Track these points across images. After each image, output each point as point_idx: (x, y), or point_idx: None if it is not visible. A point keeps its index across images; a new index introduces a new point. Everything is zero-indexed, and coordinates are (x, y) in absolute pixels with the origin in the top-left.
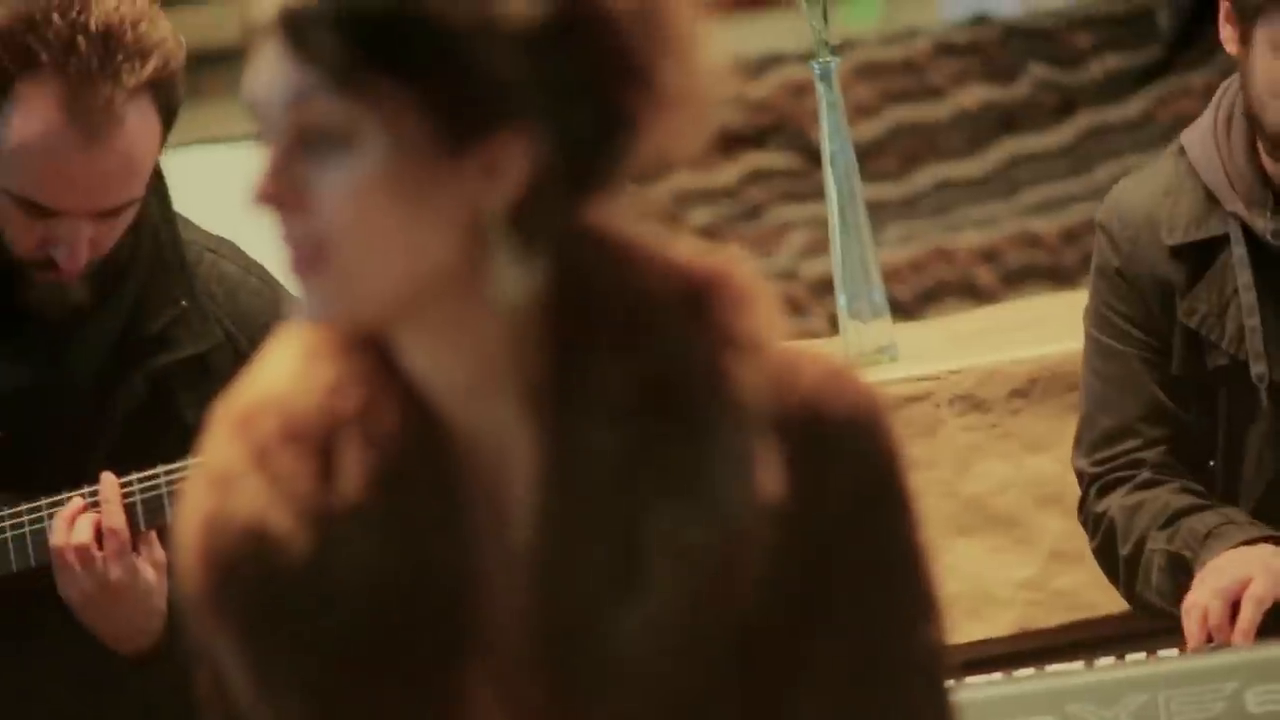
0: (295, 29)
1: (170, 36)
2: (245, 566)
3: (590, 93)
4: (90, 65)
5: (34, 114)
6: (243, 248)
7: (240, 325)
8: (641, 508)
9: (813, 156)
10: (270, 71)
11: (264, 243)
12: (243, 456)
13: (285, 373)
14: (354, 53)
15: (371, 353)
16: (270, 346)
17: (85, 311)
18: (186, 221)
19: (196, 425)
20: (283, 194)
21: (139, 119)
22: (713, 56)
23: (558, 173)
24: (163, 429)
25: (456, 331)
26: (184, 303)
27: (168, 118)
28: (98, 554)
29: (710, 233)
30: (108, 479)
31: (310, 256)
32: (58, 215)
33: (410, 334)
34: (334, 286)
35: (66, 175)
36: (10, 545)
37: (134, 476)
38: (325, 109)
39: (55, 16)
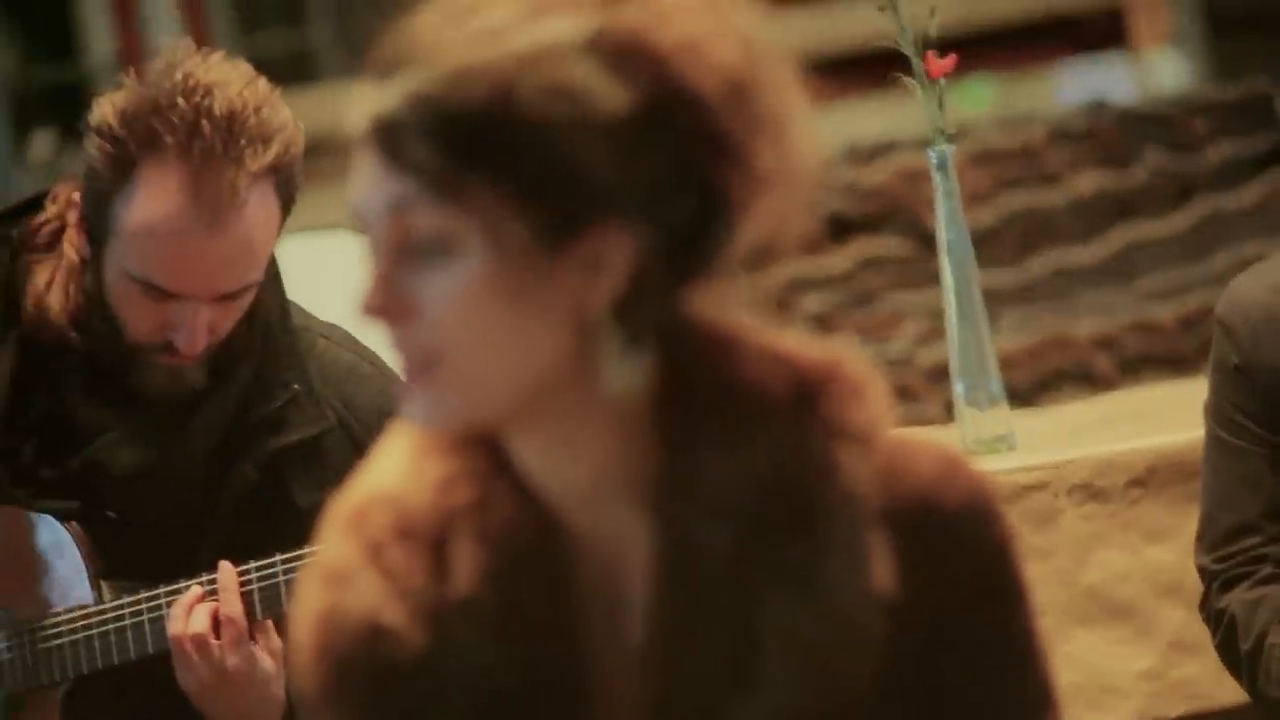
0: (388, 139)
1: (291, 123)
2: (360, 662)
3: (685, 178)
4: (214, 149)
5: (157, 196)
6: (354, 333)
7: (352, 410)
8: (756, 602)
9: (926, 242)
10: (368, 181)
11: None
12: (356, 552)
13: (398, 469)
14: (447, 159)
15: (483, 449)
16: (383, 442)
17: (200, 395)
18: (298, 307)
19: (308, 509)
20: (388, 305)
21: (260, 203)
22: (809, 135)
23: (659, 262)
24: (275, 513)
25: (567, 429)
26: (296, 387)
27: (286, 203)
28: (215, 643)
29: (823, 320)
30: (225, 568)
31: (420, 364)
32: (177, 298)
33: (521, 433)
34: (445, 392)
35: (188, 258)
36: (129, 633)
37: (251, 565)
38: (424, 217)
39: (180, 100)
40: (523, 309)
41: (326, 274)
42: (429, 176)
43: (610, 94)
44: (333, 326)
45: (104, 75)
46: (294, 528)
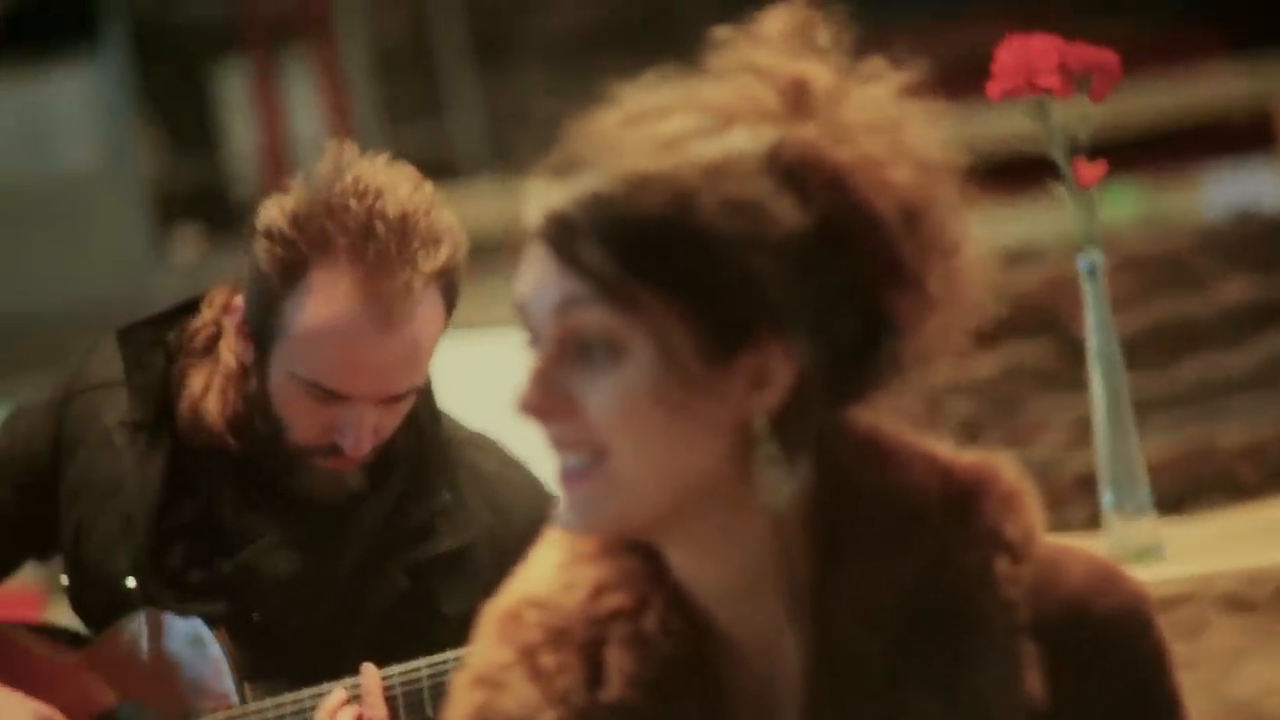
0: (561, 238)
1: (456, 226)
2: None
3: (854, 298)
4: (388, 251)
5: (330, 299)
6: (501, 439)
7: (500, 520)
8: (905, 711)
9: (1072, 348)
10: (537, 277)
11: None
12: (509, 655)
13: (551, 573)
14: (620, 264)
15: (636, 555)
16: (537, 547)
17: (356, 500)
18: (447, 413)
19: (454, 618)
20: (548, 403)
21: (429, 306)
22: (976, 258)
23: (821, 378)
24: (420, 621)
25: (721, 537)
26: (447, 496)
27: (450, 306)
28: None
29: (969, 425)
30: (370, 671)
31: (576, 468)
32: (345, 400)
33: (675, 539)
34: (601, 496)
35: (359, 361)
36: None
37: (395, 669)
38: (591, 318)
39: (352, 202)
40: (683, 416)
41: (467, 373)
42: (600, 279)
43: (787, 210)
44: (481, 434)
45: (246, 170)
46: (439, 636)
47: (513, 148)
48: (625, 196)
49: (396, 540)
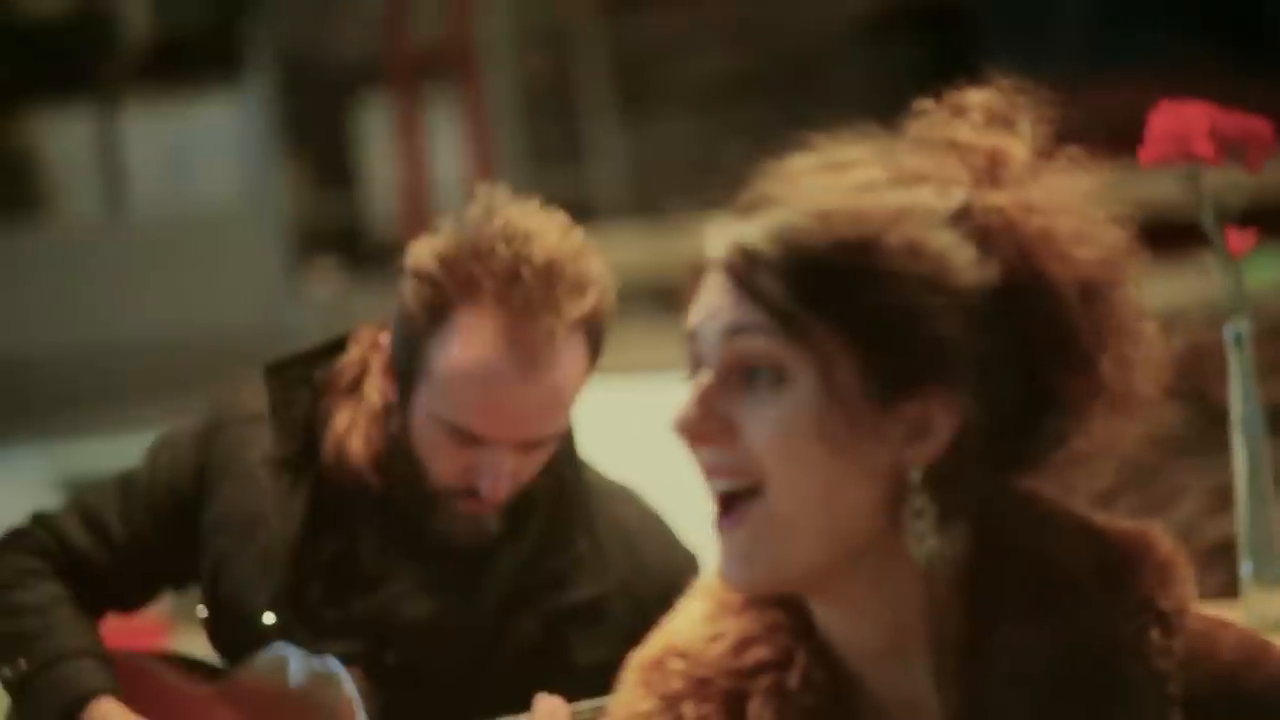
0: (743, 268)
1: (604, 275)
2: None
3: (1026, 367)
4: (533, 297)
5: (473, 342)
6: (640, 488)
7: (637, 573)
8: None
9: (1210, 415)
10: (712, 304)
11: (658, 482)
12: (652, 704)
13: (696, 624)
14: (799, 296)
15: (781, 608)
16: (682, 597)
17: (494, 545)
18: (586, 461)
19: (586, 668)
20: (707, 426)
21: (572, 353)
22: (1153, 358)
23: (982, 442)
24: (552, 669)
25: (871, 594)
26: (584, 544)
27: (594, 354)
28: None
29: (1105, 492)
30: (554, 704)
31: (736, 503)
32: (485, 444)
33: (825, 595)
34: (758, 541)
35: (500, 404)
36: None
37: (584, 705)
38: (760, 345)
39: (500, 246)
40: (842, 454)
41: (608, 419)
42: (774, 308)
43: (968, 264)
44: (621, 485)
45: (385, 207)
46: (570, 685)
47: (653, 193)
48: (809, 230)
49: (533, 587)
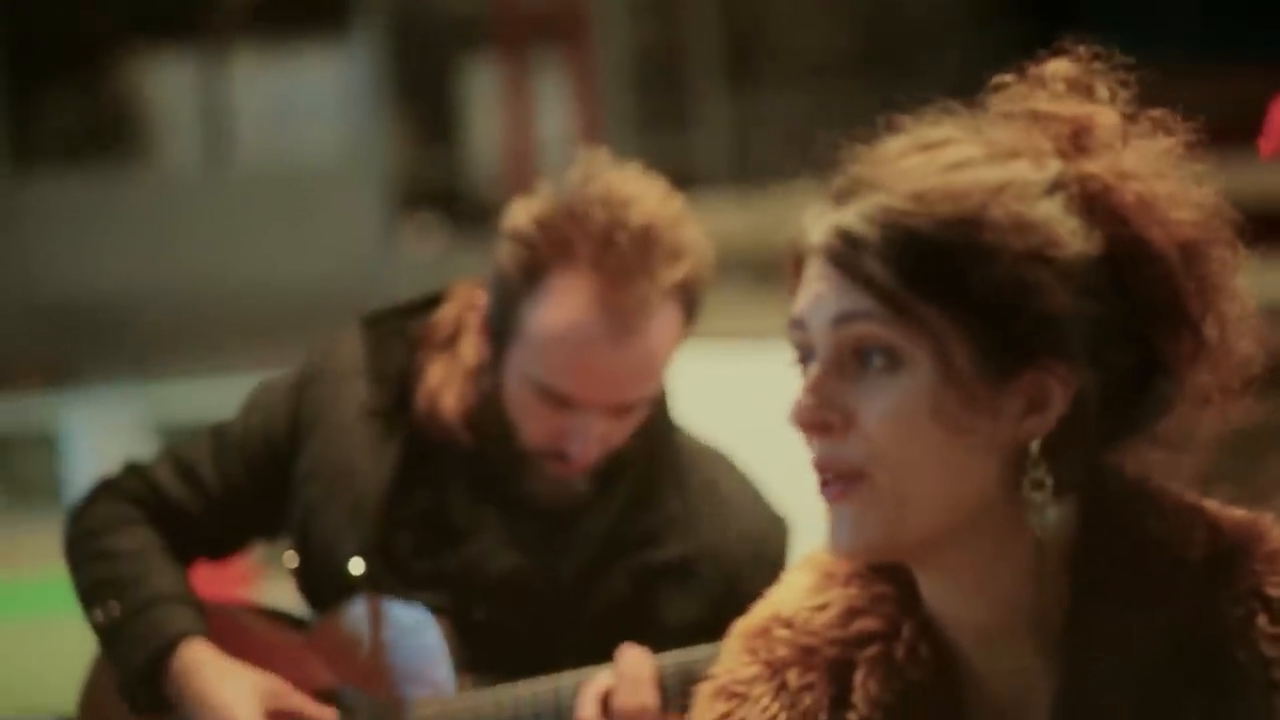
0: (847, 254)
1: (702, 241)
2: None
3: (1131, 331)
4: (628, 262)
5: (567, 305)
6: (733, 451)
7: (726, 535)
8: None
9: None
10: (817, 293)
11: (751, 444)
12: (755, 670)
13: (802, 594)
14: (906, 278)
15: (888, 580)
16: (793, 565)
17: (582, 505)
18: (682, 426)
19: (672, 627)
20: (824, 415)
21: (665, 319)
22: (1250, 317)
23: (1095, 411)
24: (638, 627)
25: (981, 569)
26: (675, 505)
27: (689, 320)
28: None
29: (1205, 478)
30: (640, 658)
31: (846, 482)
32: (575, 407)
33: (935, 569)
34: (869, 511)
35: (591, 368)
36: (538, 719)
37: (665, 657)
38: (871, 331)
39: (597, 210)
40: (959, 434)
41: (703, 384)
42: (885, 293)
43: (1071, 234)
44: (714, 448)
45: (488, 167)
46: (657, 643)
47: (755, 163)
48: (911, 212)
49: (622, 545)
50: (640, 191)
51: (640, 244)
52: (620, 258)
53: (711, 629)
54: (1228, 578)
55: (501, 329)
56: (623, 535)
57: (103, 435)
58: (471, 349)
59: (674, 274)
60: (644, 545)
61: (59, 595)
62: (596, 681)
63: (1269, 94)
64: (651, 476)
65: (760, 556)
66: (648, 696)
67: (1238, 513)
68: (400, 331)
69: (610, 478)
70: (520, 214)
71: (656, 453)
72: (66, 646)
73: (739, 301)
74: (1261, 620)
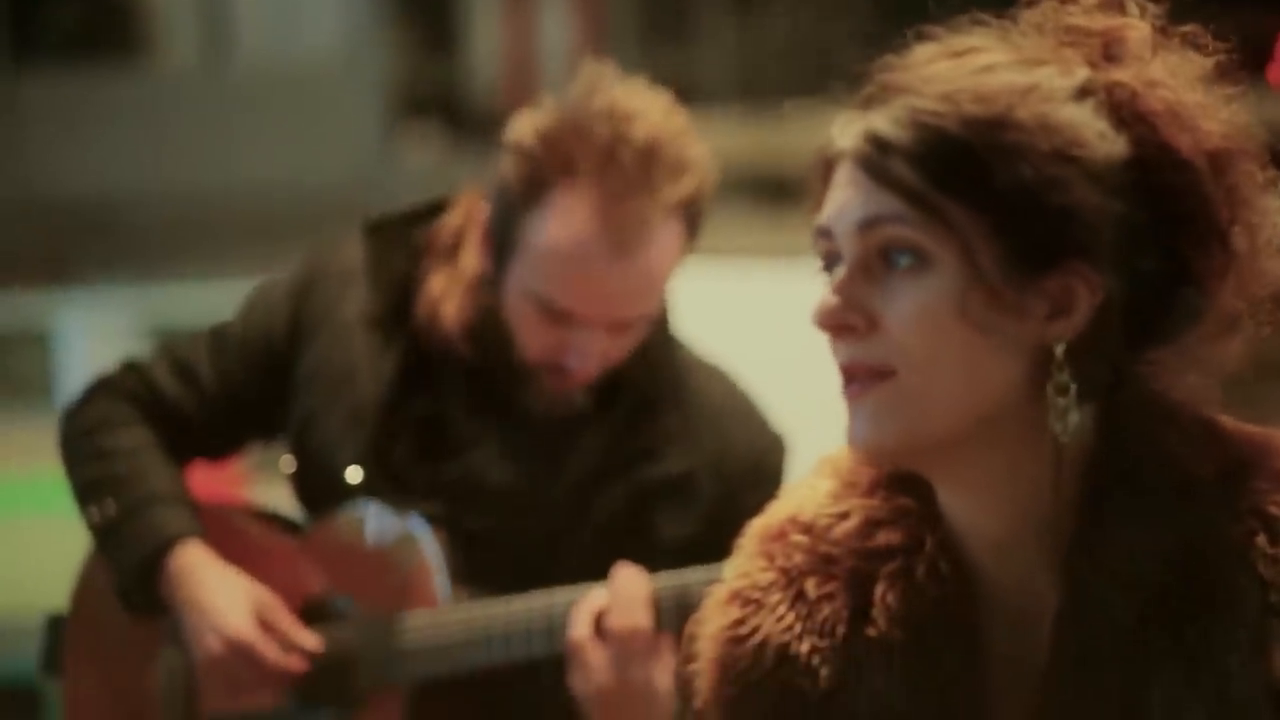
0: (876, 157)
1: (705, 157)
2: (763, 685)
3: (1158, 236)
4: (630, 177)
5: (567, 219)
6: (735, 367)
7: (725, 450)
8: (1148, 681)
9: None
10: (844, 198)
11: (753, 362)
12: (771, 576)
13: (821, 500)
14: (934, 179)
15: (910, 493)
16: (812, 468)
17: (580, 420)
18: (683, 342)
19: (669, 543)
20: (849, 316)
21: (667, 235)
22: (1278, 233)
23: (1120, 316)
24: (634, 542)
25: (997, 478)
26: (674, 421)
27: (691, 237)
28: (617, 651)
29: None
30: (633, 577)
31: (869, 380)
32: (575, 322)
33: (954, 477)
34: (891, 408)
35: (591, 284)
36: (529, 636)
37: (661, 577)
38: (898, 232)
39: (600, 125)
40: (985, 334)
41: (706, 300)
42: (913, 194)
43: (1099, 136)
44: (715, 364)
45: (489, 77)
46: (653, 560)
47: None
48: (940, 113)
49: (620, 460)
50: (644, 106)
51: (643, 160)
52: (622, 173)
53: (710, 546)
54: (1233, 495)
55: (503, 242)
56: (621, 451)
57: (98, 335)
58: (473, 260)
59: (677, 191)
60: (643, 461)
61: (52, 493)
62: (590, 600)
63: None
64: (651, 393)
65: (760, 473)
66: (641, 618)
67: (1252, 429)
68: (403, 239)
69: (610, 393)
70: (524, 127)
71: (657, 369)
72: (59, 545)
73: (743, 219)
74: (1260, 540)
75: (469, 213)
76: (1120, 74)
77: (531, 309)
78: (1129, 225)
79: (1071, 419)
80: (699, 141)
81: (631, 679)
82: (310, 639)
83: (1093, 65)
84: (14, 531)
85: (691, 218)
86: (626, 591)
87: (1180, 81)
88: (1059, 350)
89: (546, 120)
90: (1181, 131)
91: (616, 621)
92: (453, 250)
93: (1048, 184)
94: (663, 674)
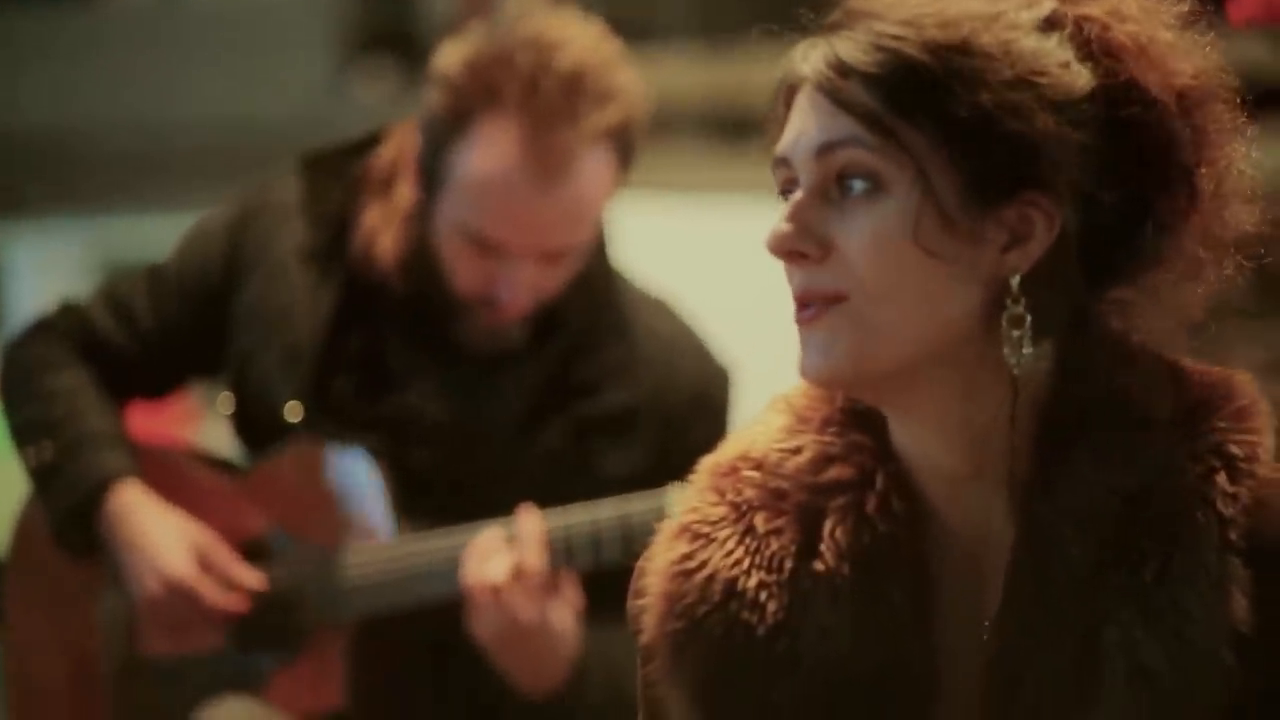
0: (835, 82)
1: (635, 86)
2: (711, 619)
3: (1125, 174)
4: (553, 106)
5: (492, 150)
6: (679, 301)
7: (667, 384)
8: (1103, 619)
9: (1270, 282)
10: (802, 124)
11: (697, 296)
12: (721, 511)
13: (773, 435)
14: (890, 103)
15: (862, 429)
16: (765, 407)
17: (519, 354)
18: (626, 276)
19: (611, 476)
20: (801, 241)
21: (595, 165)
22: (1244, 174)
23: (1077, 252)
24: (577, 475)
25: (954, 408)
26: (614, 353)
27: (623, 167)
28: (512, 593)
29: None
30: (531, 517)
31: (822, 306)
32: (504, 254)
33: (905, 410)
34: (844, 334)
35: (517, 214)
36: (429, 575)
37: (557, 514)
38: (855, 156)
39: (523, 54)
40: (940, 261)
41: (652, 234)
42: (871, 117)
43: (1062, 69)
44: (657, 299)
45: (443, 9)
46: (594, 492)
47: (721, 16)
48: (902, 37)
49: (561, 395)
50: (571, 35)
51: (567, 88)
52: (546, 102)
53: (654, 479)
54: (1192, 434)
55: (432, 174)
56: (561, 384)
57: (49, 268)
58: (407, 193)
59: (603, 119)
60: (583, 394)
61: None
62: (480, 542)
63: None
64: (591, 326)
65: (703, 405)
66: (533, 557)
67: (1211, 370)
68: (339, 172)
69: (548, 327)
70: (449, 56)
71: (596, 302)
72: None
73: (704, 155)
74: (1220, 479)
75: (403, 145)
76: (1090, 8)
77: (461, 241)
78: (1091, 159)
79: (1026, 351)
80: (630, 70)
81: (526, 619)
82: (251, 576)
83: (1062, 1)
84: None
85: (622, 148)
86: (525, 531)
87: (1151, 19)
88: (1014, 281)
89: (471, 50)
90: (1150, 68)
91: (510, 561)
92: (387, 183)
93: (1007, 110)
94: (560, 613)
